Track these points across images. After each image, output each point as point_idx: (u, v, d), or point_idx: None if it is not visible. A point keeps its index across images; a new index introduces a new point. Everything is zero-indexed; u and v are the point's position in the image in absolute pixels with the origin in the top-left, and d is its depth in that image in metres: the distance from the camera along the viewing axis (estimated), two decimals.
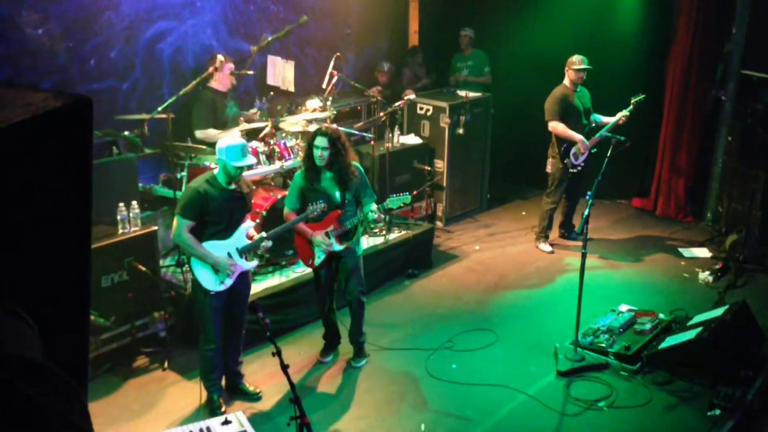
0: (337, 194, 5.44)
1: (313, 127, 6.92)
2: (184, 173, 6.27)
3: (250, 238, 5.05)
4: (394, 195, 5.63)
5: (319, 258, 5.54)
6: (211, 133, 6.65)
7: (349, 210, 5.51)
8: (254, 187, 5.20)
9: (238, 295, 5.07)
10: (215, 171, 4.92)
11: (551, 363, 5.79)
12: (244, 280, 5.09)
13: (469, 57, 9.52)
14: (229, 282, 4.94)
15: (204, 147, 6.34)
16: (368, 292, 6.79)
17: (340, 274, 5.67)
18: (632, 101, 7.58)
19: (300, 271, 6.42)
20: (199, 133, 6.67)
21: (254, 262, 5.15)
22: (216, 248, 4.88)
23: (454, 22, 9.62)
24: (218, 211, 4.85)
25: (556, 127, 7.54)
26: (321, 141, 5.33)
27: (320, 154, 5.32)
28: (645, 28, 8.72)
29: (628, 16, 8.80)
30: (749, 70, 8.08)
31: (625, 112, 7.57)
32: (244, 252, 4.99)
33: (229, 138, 4.91)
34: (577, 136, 7.51)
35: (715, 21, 8.32)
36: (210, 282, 4.90)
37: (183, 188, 6.18)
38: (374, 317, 6.35)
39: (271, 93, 7.72)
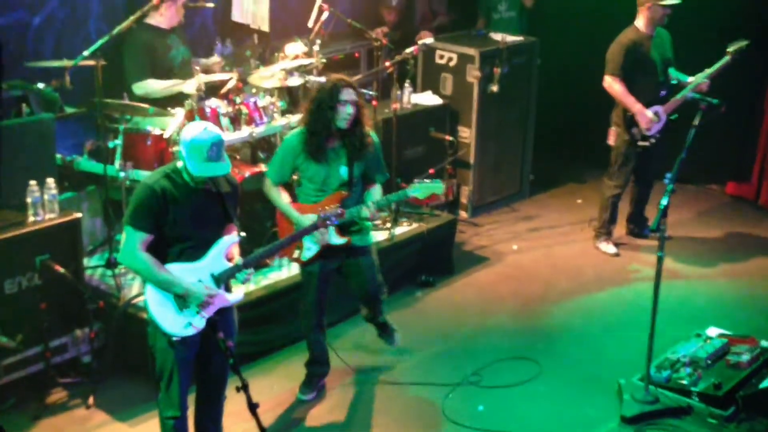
0: (343, 170, 5.52)
1: (295, 80, 6.96)
2: (118, 141, 6.27)
3: (231, 259, 4.86)
4: (420, 180, 5.61)
5: (308, 251, 5.59)
6: (152, 85, 6.65)
7: (355, 191, 5.58)
8: (237, 183, 4.97)
9: (218, 342, 4.68)
10: (179, 163, 4.68)
11: (614, 405, 5.79)
12: (224, 319, 4.84)
13: None
14: (200, 323, 4.69)
15: (146, 106, 6.34)
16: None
17: (352, 279, 5.79)
18: (729, 50, 7.53)
19: (274, 276, 6.43)
20: (137, 88, 6.68)
21: (240, 293, 4.97)
22: (182, 273, 4.66)
23: None
24: (183, 220, 4.64)
25: (613, 85, 7.55)
26: (350, 94, 5.39)
27: (351, 113, 5.38)
28: None
29: None
30: None
31: (717, 67, 7.55)
32: (222, 279, 4.77)
33: (195, 126, 4.66)
34: (636, 106, 7.50)
35: None
36: (173, 322, 4.66)
37: (116, 162, 6.25)
38: (375, 340, 6.35)
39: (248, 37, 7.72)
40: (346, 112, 5.37)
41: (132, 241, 4.59)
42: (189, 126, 4.71)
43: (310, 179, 5.54)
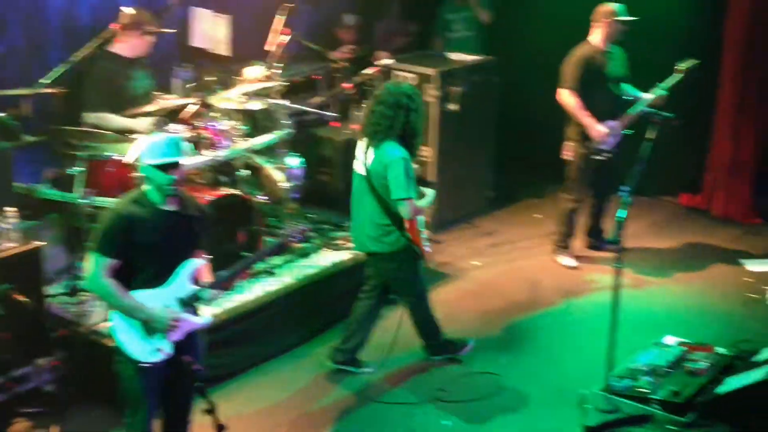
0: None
1: (255, 103, 6.93)
2: (79, 168, 6.19)
3: (203, 282, 4.81)
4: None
5: (427, 242, 6.16)
6: (106, 120, 6.59)
7: None
8: (204, 209, 4.97)
9: (184, 366, 4.63)
10: (145, 187, 4.68)
11: (577, 416, 5.77)
12: (191, 342, 4.80)
13: (463, 8, 9.54)
14: (168, 348, 4.65)
15: (107, 132, 6.28)
16: (332, 325, 6.82)
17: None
18: (679, 68, 7.61)
19: (238, 298, 6.37)
20: (89, 117, 6.61)
21: (207, 317, 4.93)
22: (148, 299, 4.61)
23: None
24: (151, 245, 4.59)
25: (567, 99, 7.58)
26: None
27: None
28: None
29: None
30: None
31: (669, 82, 7.61)
32: (189, 303, 4.74)
33: (151, 137, 4.72)
34: (588, 121, 7.55)
35: None
36: (139, 349, 4.61)
37: (76, 189, 6.16)
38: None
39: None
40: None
41: (97, 267, 4.55)
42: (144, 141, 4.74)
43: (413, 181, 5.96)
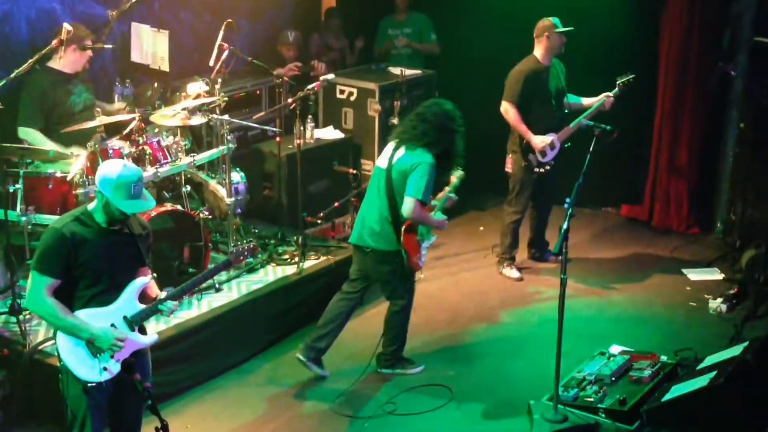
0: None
1: (197, 119, 6.89)
2: (18, 186, 6.09)
3: (151, 299, 4.78)
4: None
5: (424, 257, 6.29)
6: (36, 137, 6.53)
7: None
8: (149, 226, 4.93)
9: (130, 385, 4.56)
10: (91, 205, 4.64)
11: (525, 426, 5.82)
12: (139, 360, 4.75)
13: (405, 22, 9.61)
14: (115, 367, 4.60)
15: (46, 149, 6.21)
16: (278, 340, 6.80)
17: None
18: (618, 82, 7.78)
19: (184, 314, 6.32)
20: (22, 132, 6.55)
21: (154, 335, 4.91)
22: (93, 318, 4.55)
23: None
24: (94, 264, 4.54)
25: (509, 111, 7.68)
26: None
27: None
28: None
29: None
30: (763, 36, 8.37)
31: (608, 95, 7.76)
32: (135, 322, 4.69)
33: (115, 164, 4.61)
34: (528, 134, 7.67)
35: None
36: (86, 368, 4.55)
37: (17, 207, 6.06)
38: (288, 373, 6.31)
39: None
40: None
41: (38, 286, 4.48)
42: (106, 165, 4.65)
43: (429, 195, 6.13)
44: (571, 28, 7.67)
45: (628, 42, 9.00)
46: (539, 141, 7.64)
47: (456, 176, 6.51)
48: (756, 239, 8.07)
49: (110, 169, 4.57)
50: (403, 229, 6.06)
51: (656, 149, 9.11)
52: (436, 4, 9.74)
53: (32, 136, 6.53)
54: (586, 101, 7.92)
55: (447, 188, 6.49)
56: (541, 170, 7.81)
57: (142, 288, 4.74)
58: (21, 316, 5.99)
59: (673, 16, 8.78)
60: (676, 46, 8.80)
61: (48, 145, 6.48)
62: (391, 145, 6.20)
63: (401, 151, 6.07)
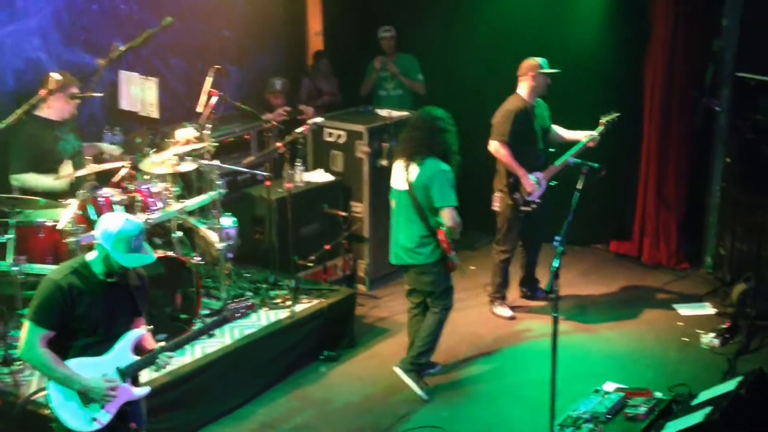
0: None
1: (187, 165, 6.91)
2: (9, 235, 6.09)
3: (145, 351, 4.79)
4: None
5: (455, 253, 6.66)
6: (29, 180, 6.53)
7: None
8: (145, 275, 4.96)
9: (124, 431, 4.63)
10: (89, 256, 4.67)
11: None
12: (134, 408, 4.75)
13: (393, 64, 9.68)
14: (105, 417, 4.58)
15: (36, 198, 6.21)
16: (272, 384, 6.77)
17: None
18: (602, 121, 7.85)
19: (178, 361, 6.29)
20: (14, 179, 6.56)
21: (146, 389, 4.86)
22: (86, 368, 4.56)
23: (368, 20, 9.78)
24: (91, 317, 4.56)
25: (499, 150, 7.73)
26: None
27: None
28: (614, 22, 9.08)
29: (592, 8, 9.13)
30: (746, 71, 8.47)
31: (593, 134, 7.83)
32: (128, 373, 4.68)
33: (117, 218, 4.64)
34: (521, 171, 7.72)
35: (700, 10, 8.74)
36: (78, 418, 4.55)
37: (8, 257, 6.05)
38: (282, 418, 6.28)
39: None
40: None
41: (33, 337, 4.49)
42: (108, 218, 4.67)
43: None
44: (558, 70, 7.75)
45: (612, 78, 9.13)
46: (530, 179, 7.69)
47: None
48: (746, 273, 8.11)
49: (112, 222, 4.59)
50: (439, 233, 6.46)
51: (644, 185, 9.17)
52: (422, 45, 9.83)
53: (26, 180, 6.53)
54: (567, 134, 7.98)
55: None
56: (528, 209, 7.86)
57: (137, 339, 4.74)
58: (13, 367, 5.97)
59: (657, 52, 8.88)
60: (660, 81, 8.89)
61: (45, 180, 6.50)
62: (399, 164, 6.58)
63: (413, 167, 6.46)
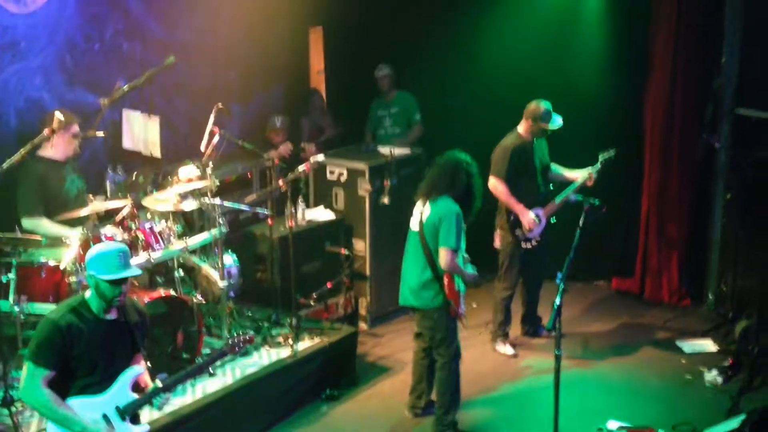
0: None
1: (189, 203, 6.92)
2: (11, 275, 6.08)
3: (142, 389, 4.79)
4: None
5: (463, 303, 6.55)
6: (43, 226, 6.54)
7: None
8: (146, 312, 5.00)
9: None
10: (87, 294, 4.69)
11: None
12: None
13: (391, 102, 9.75)
14: None
15: (38, 237, 6.21)
16: (274, 424, 6.72)
17: None
18: (600, 159, 7.87)
19: (178, 401, 6.26)
20: (27, 222, 6.55)
21: (145, 427, 4.87)
22: (86, 408, 4.55)
23: (370, 57, 9.84)
24: (90, 355, 4.56)
25: (497, 187, 7.74)
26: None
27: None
28: (613, 59, 9.14)
29: (591, 46, 9.22)
30: (745, 108, 8.52)
31: (590, 171, 7.84)
32: (127, 412, 4.67)
33: (98, 245, 4.72)
34: (519, 207, 7.73)
35: (700, 47, 8.79)
36: None
37: (11, 296, 6.04)
38: None
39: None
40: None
41: (33, 378, 4.48)
42: (90, 249, 4.72)
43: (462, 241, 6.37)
44: (559, 125, 7.77)
45: (612, 115, 9.17)
46: (529, 216, 7.69)
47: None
48: (748, 309, 8.08)
49: (92, 250, 4.68)
50: (445, 278, 6.32)
51: (645, 221, 9.17)
52: (422, 82, 9.88)
53: (38, 225, 6.53)
54: (567, 173, 8.00)
55: None
56: (528, 245, 7.86)
57: (135, 377, 4.72)
58: (13, 408, 5.93)
59: (657, 88, 8.93)
60: (661, 118, 8.93)
61: (57, 229, 6.50)
62: (418, 205, 6.52)
63: (427, 207, 6.39)
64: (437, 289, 6.37)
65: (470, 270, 6.53)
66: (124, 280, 4.64)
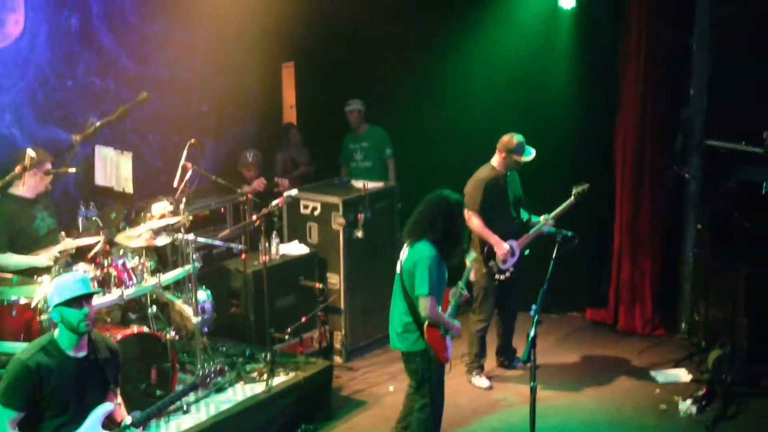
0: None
1: (162, 239, 6.89)
2: None
3: (117, 424, 4.73)
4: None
5: (450, 346, 6.27)
6: (8, 259, 6.49)
7: None
8: (118, 349, 4.98)
9: None
10: (55, 333, 4.65)
11: None
12: None
13: (363, 136, 9.79)
14: None
15: (9, 276, 6.17)
16: None
17: None
18: (573, 192, 7.91)
19: None
20: None
21: None
22: None
23: (342, 91, 9.88)
24: (61, 394, 4.52)
25: (471, 219, 7.75)
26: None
27: None
28: (582, 91, 9.25)
29: (560, 77, 9.29)
30: (714, 139, 8.60)
31: (563, 207, 7.89)
32: None
33: (56, 278, 4.73)
34: (494, 238, 7.75)
35: (668, 79, 8.91)
36: None
37: None
38: None
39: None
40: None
41: (2, 419, 4.43)
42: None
43: (440, 286, 6.15)
44: (531, 156, 7.81)
45: (583, 147, 9.27)
46: (504, 247, 7.71)
47: (469, 260, 6.66)
48: (720, 339, 8.12)
49: (52, 284, 4.72)
50: (425, 325, 6.14)
51: (618, 252, 9.22)
52: (395, 116, 9.93)
53: (5, 261, 6.48)
54: (532, 222, 8.05)
55: (459, 282, 6.49)
56: (502, 277, 7.88)
57: (106, 414, 4.67)
58: None
59: (626, 120, 9.01)
60: (631, 149, 9.01)
61: (24, 259, 6.47)
62: (404, 247, 6.35)
63: (405, 250, 6.25)
64: (418, 334, 6.19)
65: (453, 320, 6.30)
66: (86, 299, 4.62)
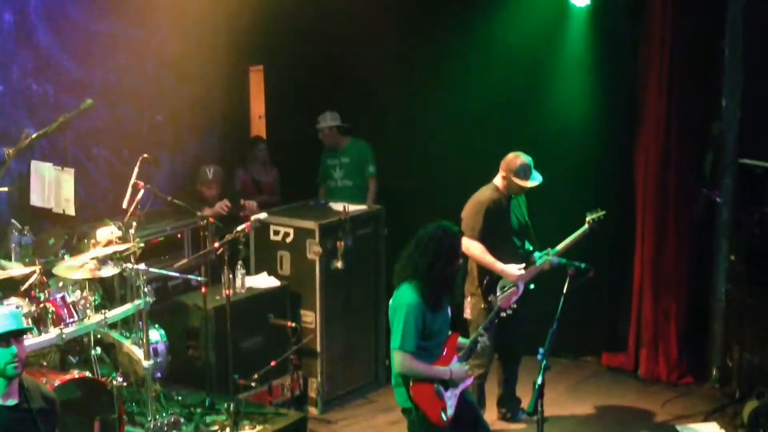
0: (449, 309, 6.22)
1: (109, 269, 6.87)
2: None
3: None
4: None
5: (451, 407, 6.05)
6: None
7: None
8: (55, 397, 4.95)
9: None
10: None
11: None
12: None
13: (343, 151, 9.78)
14: None
15: None
16: None
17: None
18: (588, 219, 7.89)
19: None
20: None
21: None
22: None
23: (318, 99, 9.89)
24: None
25: (470, 247, 7.73)
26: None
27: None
28: (600, 105, 9.26)
29: (575, 90, 9.32)
30: (749, 158, 8.64)
31: (576, 235, 7.87)
32: None
33: None
34: (498, 265, 7.74)
35: (697, 90, 8.93)
36: None
37: None
38: None
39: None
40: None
41: None
42: None
43: (431, 335, 6.05)
44: (536, 183, 7.81)
45: (599, 167, 9.29)
46: (515, 269, 7.69)
47: (500, 287, 6.94)
48: (758, 388, 8.09)
49: None
50: (410, 382, 6.05)
51: (639, 288, 9.22)
52: (378, 127, 9.98)
53: None
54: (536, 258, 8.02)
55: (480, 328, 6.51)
56: (504, 315, 7.84)
57: None
58: None
59: (649, 137, 9.03)
60: (654, 170, 9.02)
61: None
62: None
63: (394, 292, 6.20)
64: (404, 388, 6.11)
65: (455, 366, 6.18)
66: (15, 336, 4.62)
